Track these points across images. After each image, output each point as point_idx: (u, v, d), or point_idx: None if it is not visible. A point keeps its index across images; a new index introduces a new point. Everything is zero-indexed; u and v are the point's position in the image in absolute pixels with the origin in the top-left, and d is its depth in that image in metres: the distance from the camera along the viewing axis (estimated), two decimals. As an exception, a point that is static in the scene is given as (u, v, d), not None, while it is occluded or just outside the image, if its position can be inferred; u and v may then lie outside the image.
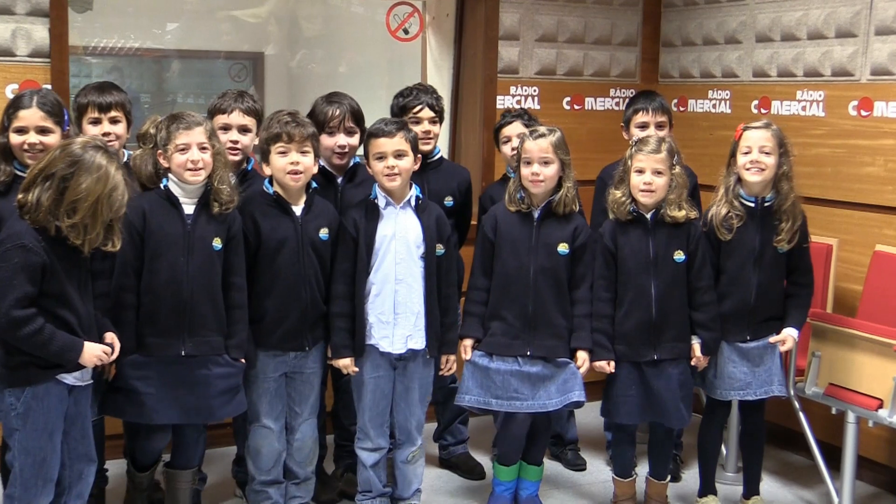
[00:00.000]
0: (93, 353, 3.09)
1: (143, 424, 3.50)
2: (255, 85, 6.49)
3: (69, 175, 2.99)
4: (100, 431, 3.57)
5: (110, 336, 3.22)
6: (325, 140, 3.86)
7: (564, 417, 4.45)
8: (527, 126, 4.05)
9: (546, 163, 3.72)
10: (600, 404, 3.90)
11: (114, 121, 3.69)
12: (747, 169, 3.79)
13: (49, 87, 3.98)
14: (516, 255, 3.77)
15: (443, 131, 4.31)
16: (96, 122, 3.68)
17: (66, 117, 3.42)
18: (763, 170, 3.78)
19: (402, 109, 4.08)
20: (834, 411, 3.99)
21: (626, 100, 4.92)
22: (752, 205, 3.83)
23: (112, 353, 3.18)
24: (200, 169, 3.40)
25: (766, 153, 3.78)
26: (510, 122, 4.20)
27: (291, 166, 3.55)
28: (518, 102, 5.04)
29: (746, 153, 3.80)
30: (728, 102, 5.03)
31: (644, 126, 4.26)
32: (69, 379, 3.09)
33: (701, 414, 4.09)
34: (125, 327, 3.34)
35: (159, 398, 3.40)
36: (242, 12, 6.39)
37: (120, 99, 3.71)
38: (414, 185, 3.74)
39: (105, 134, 3.65)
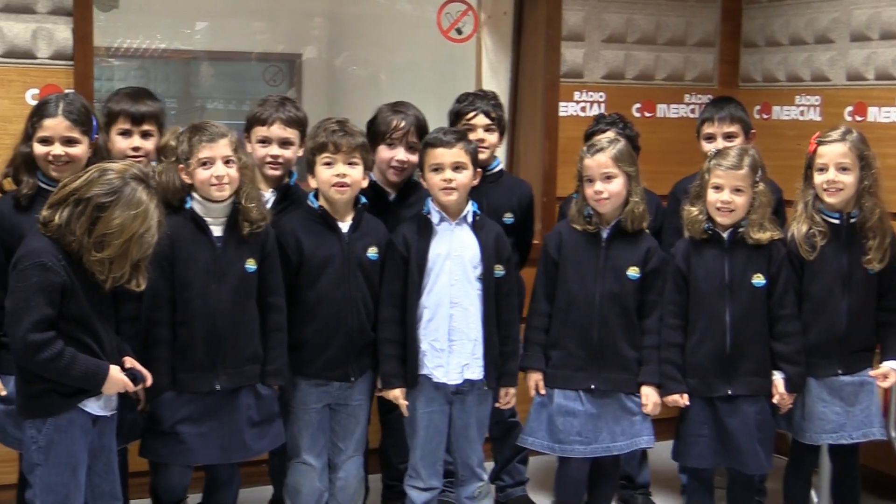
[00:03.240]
0: (117, 380, 3.12)
1: (161, 463, 3.54)
2: (291, 89, 6.55)
3: (105, 205, 3.01)
4: (123, 467, 3.57)
5: (130, 361, 3.23)
6: (383, 152, 3.88)
7: (636, 458, 4.42)
8: (622, 133, 4.06)
9: (608, 178, 3.72)
10: (672, 444, 3.88)
11: (145, 134, 3.72)
12: (825, 189, 3.76)
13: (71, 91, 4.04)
14: (581, 278, 3.77)
15: (498, 141, 4.33)
16: (126, 133, 3.71)
17: (94, 125, 3.45)
18: (841, 190, 3.74)
19: (455, 116, 4.11)
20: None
21: (703, 106, 4.90)
22: (837, 221, 3.80)
23: (137, 382, 3.20)
24: (226, 185, 3.42)
25: (845, 170, 3.74)
26: (604, 130, 4.19)
27: (337, 178, 3.57)
28: (583, 109, 5.04)
29: (822, 170, 3.77)
30: (818, 109, 4.99)
31: (711, 138, 4.25)
32: (93, 408, 3.12)
33: (786, 456, 4.04)
34: (159, 364, 3.37)
35: (200, 438, 3.42)
36: (278, 10, 6.45)
37: (154, 110, 3.74)
38: (471, 201, 3.75)
39: (134, 148, 3.69)
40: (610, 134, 4.11)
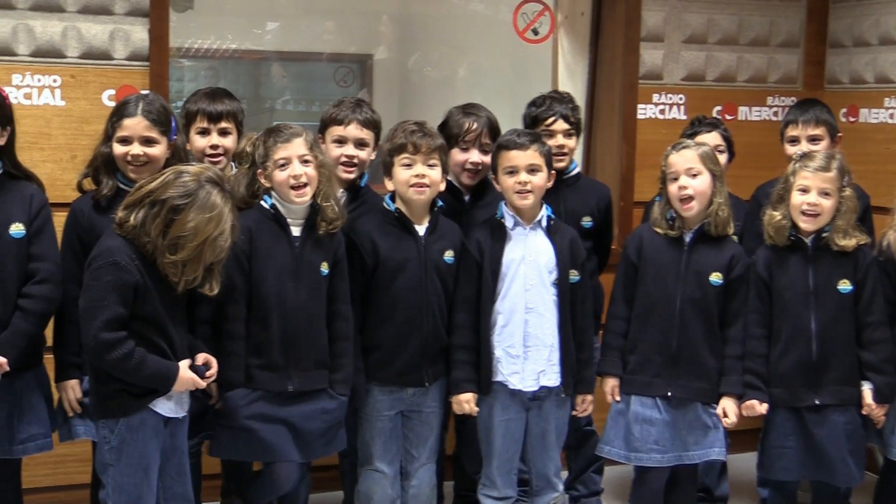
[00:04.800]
0: (187, 379, 3.19)
1: (265, 464, 3.59)
2: (362, 90, 6.62)
3: (179, 207, 3.09)
4: (196, 469, 3.66)
5: (203, 356, 3.29)
6: (457, 155, 3.93)
7: (715, 470, 4.41)
8: (724, 138, 4.08)
9: (694, 175, 3.73)
10: (756, 456, 3.87)
11: (223, 132, 3.84)
12: None
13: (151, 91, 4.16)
14: (661, 282, 3.78)
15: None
16: (204, 132, 3.83)
17: (173, 126, 3.55)
18: None
19: (533, 121, 4.12)
20: None
21: (787, 109, 4.88)
22: None
23: (207, 375, 3.26)
24: (305, 185, 3.48)
25: None
26: (706, 132, 4.21)
27: (416, 179, 3.62)
28: (662, 112, 5.05)
29: None
30: (909, 112, 4.96)
31: (795, 141, 4.24)
32: (164, 409, 3.20)
33: (876, 473, 4.01)
34: (233, 359, 3.43)
35: (276, 434, 3.47)
36: (350, 10, 6.53)
37: (232, 108, 3.85)
38: (545, 205, 3.78)
39: (213, 146, 3.80)
40: (714, 136, 4.14)
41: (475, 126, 3.96)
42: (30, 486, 3.69)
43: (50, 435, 3.49)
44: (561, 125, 4.09)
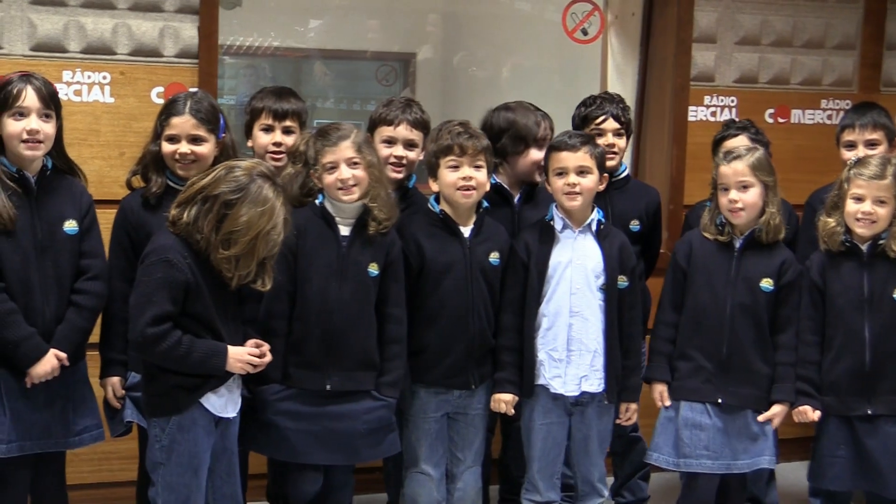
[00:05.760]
0: (239, 357, 3.25)
1: (292, 464, 3.63)
2: (405, 89, 6.66)
3: (232, 202, 3.16)
4: (242, 469, 3.69)
5: (254, 341, 3.34)
6: (536, 154, 3.97)
7: (763, 479, 4.39)
8: (753, 139, 4.10)
9: (745, 187, 3.74)
10: (808, 465, 3.88)
11: (287, 130, 3.90)
12: None
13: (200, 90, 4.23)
14: (711, 288, 3.80)
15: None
16: (268, 129, 3.90)
17: (221, 124, 3.61)
18: None
19: (583, 120, 4.16)
20: None
21: (841, 112, 4.89)
22: None
23: (261, 356, 3.32)
24: (353, 186, 3.53)
25: None
26: (734, 135, 4.23)
27: (463, 181, 3.66)
28: (713, 114, 5.06)
29: None
30: (969, 116, 4.93)
31: (851, 145, 4.24)
32: (215, 407, 3.26)
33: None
34: (272, 355, 3.46)
35: (302, 435, 3.52)
36: (394, 9, 6.57)
37: (297, 107, 3.93)
38: (596, 209, 3.81)
39: (276, 144, 3.87)
40: (743, 139, 4.15)
41: (547, 124, 4.02)
42: (74, 483, 3.76)
43: (102, 426, 3.57)
44: (611, 124, 4.13)
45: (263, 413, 3.53)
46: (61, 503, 3.65)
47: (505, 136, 3.97)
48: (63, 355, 3.38)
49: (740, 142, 4.15)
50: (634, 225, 4.15)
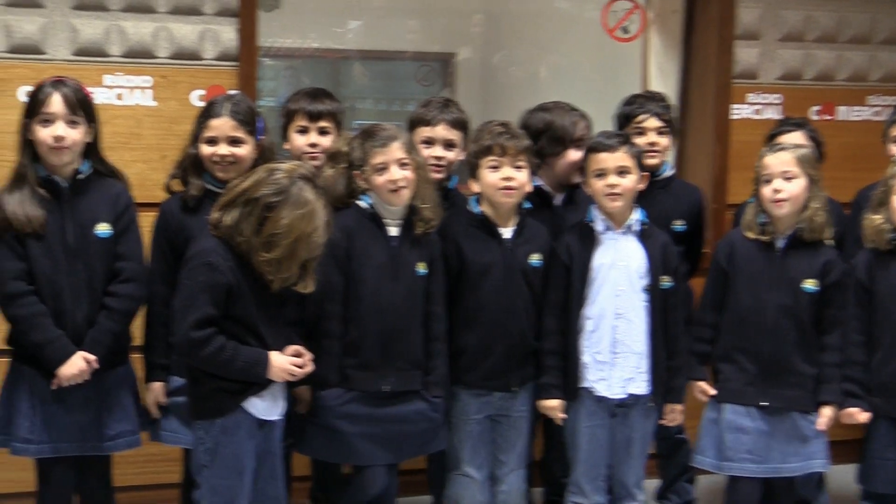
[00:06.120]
0: (281, 365, 3.27)
1: (357, 467, 3.65)
2: (445, 90, 6.67)
3: (272, 205, 3.18)
4: (286, 471, 3.72)
5: (294, 348, 3.35)
6: (574, 155, 3.97)
7: (813, 482, 4.36)
8: (810, 139, 4.09)
9: (789, 178, 3.72)
10: (857, 468, 3.86)
11: (322, 131, 3.92)
12: None
13: (238, 92, 4.26)
14: (753, 289, 3.78)
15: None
16: (304, 131, 3.93)
17: (259, 126, 3.64)
18: None
19: (625, 118, 4.16)
20: None
21: (889, 108, 4.85)
22: None
23: (303, 365, 3.33)
24: (403, 188, 3.55)
25: None
26: (789, 132, 4.22)
27: (504, 182, 3.67)
28: (757, 112, 5.04)
29: None
30: None
31: None
32: (259, 410, 3.28)
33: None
34: (328, 358, 3.51)
35: (364, 436, 3.55)
36: (434, 9, 6.58)
37: (332, 108, 3.95)
38: (637, 209, 3.81)
39: (311, 145, 3.90)
40: (799, 136, 4.13)
41: (585, 125, 4.02)
42: (120, 485, 3.80)
43: (138, 432, 3.61)
44: (653, 122, 4.12)
45: (324, 418, 3.56)
46: (106, 505, 3.70)
47: (542, 137, 3.97)
48: (92, 357, 3.41)
49: (796, 138, 4.14)
50: (678, 225, 4.14)
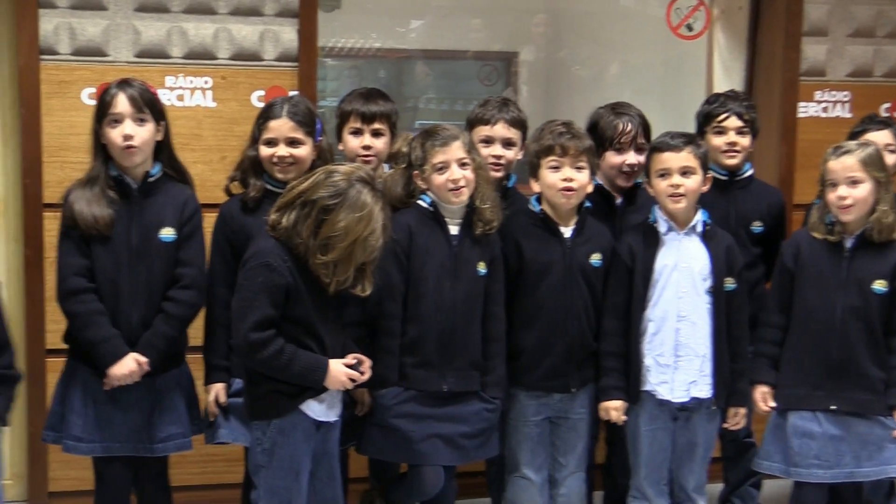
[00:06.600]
0: (339, 373, 3.28)
1: (414, 467, 3.67)
2: (507, 89, 6.66)
3: (330, 207, 3.19)
4: (343, 473, 3.73)
5: (354, 354, 3.36)
6: (612, 158, 3.95)
7: (883, 488, 4.29)
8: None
9: (854, 183, 3.67)
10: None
11: (376, 133, 3.93)
12: None
13: (296, 93, 4.30)
14: (820, 290, 3.74)
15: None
16: (357, 132, 3.93)
17: (318, 127, 3.67)
18: None
19: (705, 118, 4.15)
20: None
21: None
22: None
23: (361, 374, 3.34)
24: (463, 187, 3.56)
25: None
26: (876, 130, 4.16)
27: (564, 182, 3.66)
28: (825, 110, 4.99)
29: None
30: None
31: None
32: (316, 412, 3.30)
33: None
34: (387, 357, 3.53)
35: (424, 436, 3.56)
36: (496, 8, 6.58)
37: (386, 110, 3.95)
38: (701, 209, 3.78)
39: (365, 147, 3.91)
40: (887, 135, 4.09)
41: (629, 127, 3.96)
42: (181, 484, 3.87)
43: (189, 435, 3.64)
44: (733, 122, 4.10)
45: (383, 417, 3.58)
46: (164, 504, 3.75)
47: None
48: (144, 360, 3.46)
49: (883, 137, 4.09)
50: (756, 226, 4.11)
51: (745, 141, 4.12)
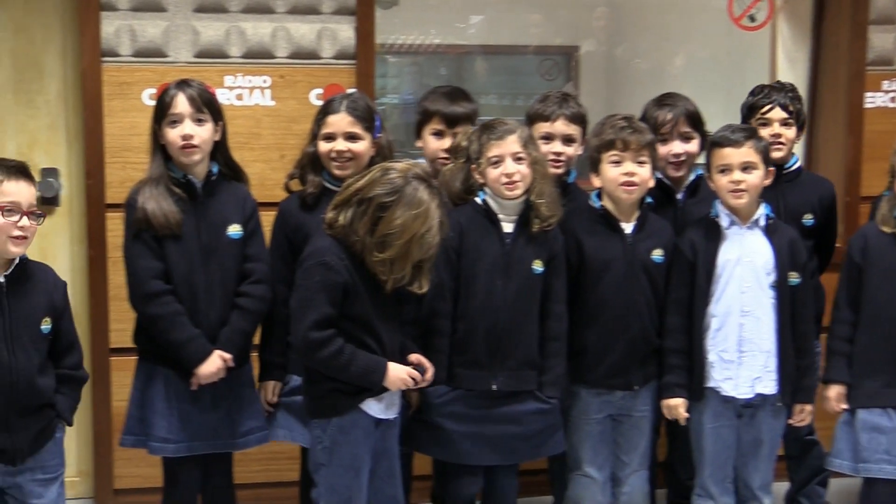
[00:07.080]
0: (398, 375, 3.29)
1: (451, 465, 3.68)
2: (568, 84, 6.64)
3: (386, 204, 3.20)
4: (407, 470, 3.80)
5: (416, 357, 3.40)
6: (659, 149, 3.92)
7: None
8: None
9: None
10: None
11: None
12: None
13: (355, 90, 4.32)
14: (889, 285, 3.71)
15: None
16: (439, 134, 3.91)
17: (377, 123, 3.69)
18: None
19: (749, 110, 4.10)
20: None
21: None
22: None
23: (423, 375, 3.36)
24: (517, 182, 3.55)
25: None
26: None
27: (625, 177, 3.64)
28: (892, 100, 4.91)
29: None
30: None
31: None
32: (375, 410, 3.33)
33: None
34: (436, 355, 3.53)
35: (468, 436, 3.56)
36: (555, 2, 6.57)
37: (469, 111, 3.93)
38: (763, 203, 3.74)
39: (447, 150, 3.85)
40: None
41: (669, 116, 3.93)
42: (242, 482, 3.91)
43: (266, 428, 3.68)
44: (778, 114, 4.05)
45: (429, 414, 3.59)
46: (229, 502, 3.78)
47: None
48: (228, 356, 3.50)
49: None
50: (807, 219, 4.06)
51: (790, 133, 4.07)
